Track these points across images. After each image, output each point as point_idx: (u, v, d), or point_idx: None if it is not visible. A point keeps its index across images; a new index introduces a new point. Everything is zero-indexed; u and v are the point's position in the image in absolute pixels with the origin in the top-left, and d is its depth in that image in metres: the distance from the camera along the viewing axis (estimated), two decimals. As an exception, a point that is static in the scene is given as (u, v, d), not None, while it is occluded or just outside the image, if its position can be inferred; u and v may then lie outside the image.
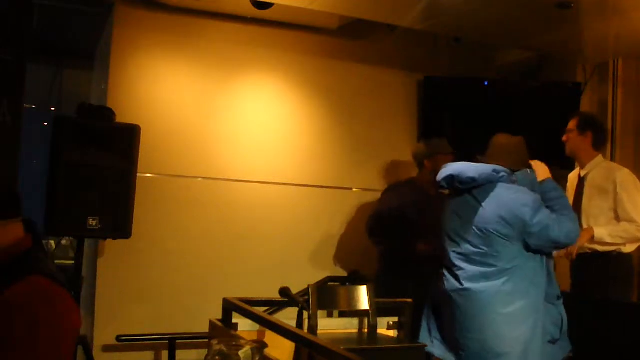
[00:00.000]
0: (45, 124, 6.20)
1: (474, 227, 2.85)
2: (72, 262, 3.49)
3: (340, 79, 4.64)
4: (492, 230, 2.80)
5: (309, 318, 2.51)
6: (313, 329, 2.50)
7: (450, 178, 2.95)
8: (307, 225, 4.46)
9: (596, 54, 4.48)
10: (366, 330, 2.89)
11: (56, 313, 1.85)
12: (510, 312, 2.75)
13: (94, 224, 3.31)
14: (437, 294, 3.04)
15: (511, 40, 4.43)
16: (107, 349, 3.89)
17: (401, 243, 3.89)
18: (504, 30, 4.07)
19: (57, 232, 3.41)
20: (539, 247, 2.82)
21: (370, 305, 2.86)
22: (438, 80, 4.80)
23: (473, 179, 2.88)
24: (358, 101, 4.69)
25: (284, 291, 2.53)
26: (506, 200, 2.82)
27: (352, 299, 2.88)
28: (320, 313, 2.68)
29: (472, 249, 2.85)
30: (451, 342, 2.92)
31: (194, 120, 4.24)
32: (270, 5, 3.90)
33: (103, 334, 3.87)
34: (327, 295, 2.85)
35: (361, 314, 2.93)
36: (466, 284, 2.83)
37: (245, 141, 4.37)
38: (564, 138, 3.76)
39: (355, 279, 4.04)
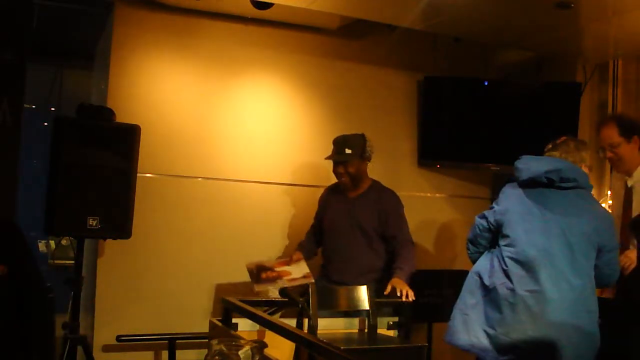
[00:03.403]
0: (45, 124, 6.21)
1: (567, 227, 2.69)
2: (72, 262, 3.48)
3: (340, 79, 4.64)
4: (584, 235, 2.69)
5: (309, 318, 2.51)
6: (313, 329, 2.50)
7: (557, 172, 2.73)
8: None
9: (596, 54, 4.47)
10: (366, 330, 2.90)
11: None
12: (593, 310, 2.69)
13: (94, 224, 3.31)
14: (482, 285, 2.79)
15: (511, 40, 4.42)
16: (107, 349, 3.89)
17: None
18: (504, 30, 4.07)
19: (57, 232, 3.40)
20: (596, 273, 2.72)
21: (370, 305, 2.86)
22: (438, 80, 4.79)
23: (575, 179, 2.75)
24: (358, 101, 4.68)
25: (284, 291, 2.53)
26: (600, 212, 2.77)
27: (352, 299, 2.89)
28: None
29: (560, 247, 2.68)
30: (502, 337, 2.68)
31: (194, 120, 4.24)
32: (270, 5, 3.90)
33: (103, 334, 3.87)
34: (327, 295, 2.86)
35: (361, 314, 2.94)
36: (545, 285, 2.63)
37: (245, 141, 4.36)
38: (609, 155, 3.27)
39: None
